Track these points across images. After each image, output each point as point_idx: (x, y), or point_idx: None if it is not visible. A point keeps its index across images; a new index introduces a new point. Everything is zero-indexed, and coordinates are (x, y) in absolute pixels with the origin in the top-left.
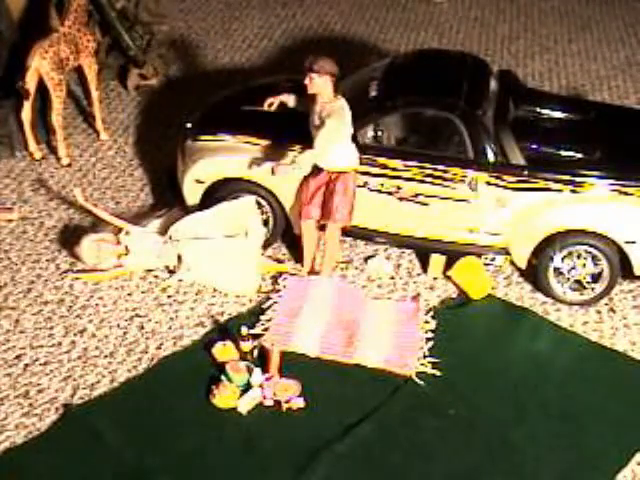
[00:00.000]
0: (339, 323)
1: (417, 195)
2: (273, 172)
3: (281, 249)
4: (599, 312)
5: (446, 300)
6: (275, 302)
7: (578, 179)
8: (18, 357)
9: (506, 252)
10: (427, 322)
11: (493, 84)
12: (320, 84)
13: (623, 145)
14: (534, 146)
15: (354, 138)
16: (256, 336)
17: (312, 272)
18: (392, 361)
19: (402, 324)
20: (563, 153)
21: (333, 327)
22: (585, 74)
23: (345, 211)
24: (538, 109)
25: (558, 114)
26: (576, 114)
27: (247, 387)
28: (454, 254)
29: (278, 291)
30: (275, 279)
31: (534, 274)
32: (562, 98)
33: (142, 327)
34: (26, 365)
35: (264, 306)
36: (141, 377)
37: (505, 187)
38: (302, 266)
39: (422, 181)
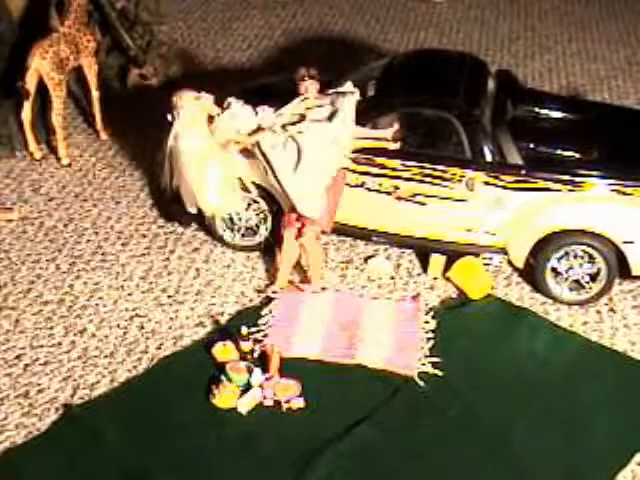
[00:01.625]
0: (339, 325)
1: (415, 195)
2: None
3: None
4: (599, 312)
5: (446, 300)
6: (274, 305)
7: (577, 179)
8: (18, 357)
9: (504, 252)
10: (427, 322)
11: (491, 84)
12: None
13: (623, 145)
14: (532, 146)
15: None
16: (256, 341)
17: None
18: (393, 361)
19: (402, 324)
20: (562, 153)
21: (333, 329)
22: (585, 74)
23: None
24: (537, 109)
25: (557, 114)
26: (575, 114)
27: (247, 387)
28: (453, 254)
29: (274, 299)
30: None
31: (532, 274)
32: (561, 98)
33: (142, 327)
34: (26, 365)
35: (262, 312)
36: (141, 377)
37: (503, 187)
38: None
39: (421, 181)
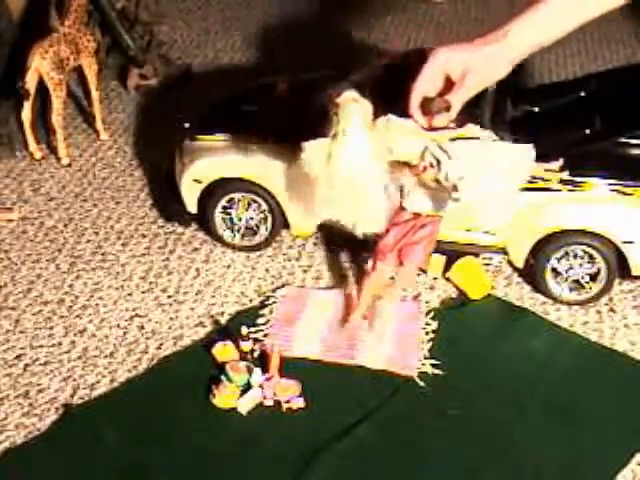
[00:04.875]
0: (339, 325)
1: None
2: None
3: (281, 248)
4: (599, 312)
5: (446, 300)
6: (273, 305)
7: (578, 179)
8: (18, 357)
9: (504, 252)
10: (428, 323)
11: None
12: None
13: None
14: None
15: None
16: (256, 341)
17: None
18: (394, 361)
19: (403, 324)
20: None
21: (334, 329)
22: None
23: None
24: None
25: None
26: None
27: (247, 387)
28: (453, 254)
29: (274, 298)
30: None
31: (531, 274)
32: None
33: (142, 327)
34: (26, 365)
35: (261, 312)
36: (141, 377)
37: None
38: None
39: None
